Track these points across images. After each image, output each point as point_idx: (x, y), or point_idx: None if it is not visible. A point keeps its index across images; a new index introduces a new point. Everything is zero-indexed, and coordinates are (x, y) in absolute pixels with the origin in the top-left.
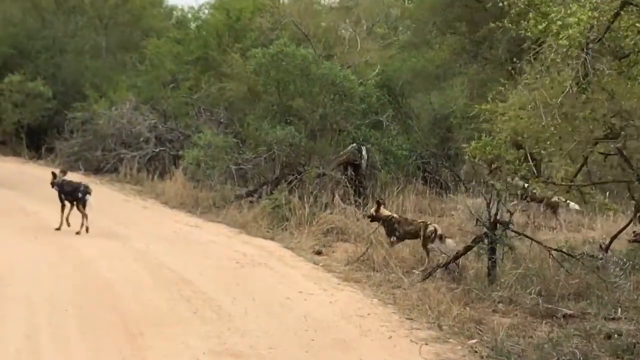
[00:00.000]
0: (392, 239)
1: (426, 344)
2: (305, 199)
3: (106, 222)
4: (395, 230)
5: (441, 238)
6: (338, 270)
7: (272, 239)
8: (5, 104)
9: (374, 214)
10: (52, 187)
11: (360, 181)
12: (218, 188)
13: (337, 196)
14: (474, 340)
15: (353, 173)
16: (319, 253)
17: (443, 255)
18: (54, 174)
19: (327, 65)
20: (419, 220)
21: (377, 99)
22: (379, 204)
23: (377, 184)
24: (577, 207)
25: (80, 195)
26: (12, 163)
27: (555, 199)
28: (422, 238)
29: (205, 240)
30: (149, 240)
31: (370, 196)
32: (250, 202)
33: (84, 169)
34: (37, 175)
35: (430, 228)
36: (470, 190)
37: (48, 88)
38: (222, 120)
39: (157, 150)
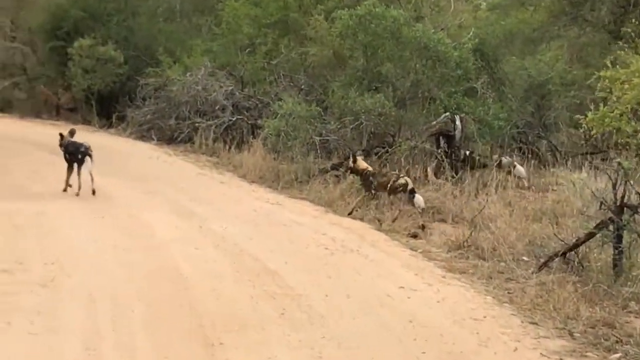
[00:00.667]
0: (371, 192)
1: None
2: None
3: (181, 198)
4: (371, 183)
5: (412, 192)
6: (439, 258)
7: (361, 219)
8: (75, 70)
9: (352, 165)
10: (60, 148)
11: (454, 154)
12: (300, 160)
13: (430, 171)
14: (617, 355)
15: (446, 145)
16: (414, 236)
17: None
18: (61, 135)
19: (419, 27)
20: (392, 172)
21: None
22: (354, 157)
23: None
24: None
25: (80, 156)
26: (81, 132)
27: None
28: (389, 188)
29: (289, 220)
30: (227, 220)
31: (467, 171)
32: (336, 176)
33: (157, 139)
34: (108, 145)
35: (401, 181)
36: (570, 164)
37: (119, 53)
38: (302, 87)
39: (234, 119)
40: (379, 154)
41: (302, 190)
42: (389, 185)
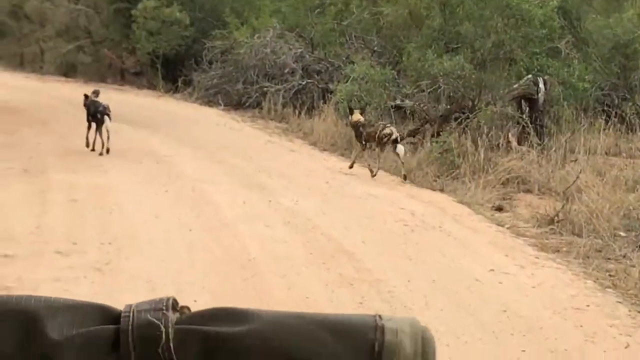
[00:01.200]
0: (362, 142)
1: None
2: (478, 142)
3: (248, 168)
4: (361, 133)
5: (396, 141)
6: (529, 234)
7: (441, 190)
8: (139, 32)
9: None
10: (84, 107)
11: (538, 119)
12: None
13: (512, 137)
14: None
15: (528, 109)
16: (499, 209)
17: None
18: (85, 96)
19: None
20: (379, 123)
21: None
22: (351, 110)
23: (557, 121)
24: None
25: (98, 115)
26: (145, 97)
27: None
28: (377, 138)
29: (364, 193)
30: (298, 193)
31: (553, 137)
32: (412, 144)
33: (224, 104)
34: (172, 111)
35: (386, 130)
36: None
37: (185, 14)
38: (375, 49)
39: (304, 83)
40: (459, 119)
41: (376, 158)
42: (376, 135)
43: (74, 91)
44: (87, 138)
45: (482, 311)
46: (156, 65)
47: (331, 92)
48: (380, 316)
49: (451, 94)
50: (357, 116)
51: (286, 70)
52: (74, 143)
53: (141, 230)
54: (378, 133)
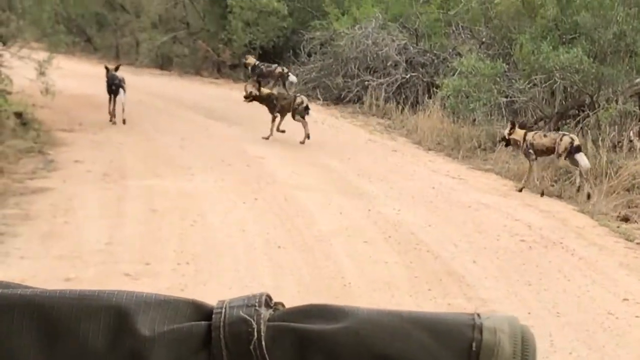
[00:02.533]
0: (275, 115)
1: None
2: (599, 143)
3: (347, 172)
4: (275, 105)
5: (307, 108)
6: None
7: (559, 196)
8: (235, 23)
9: (257, 93)
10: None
11: None
12: (483, 124)
13: (634, 136)
14: None
15: None
16: (626, 219)
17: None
18: (107, 68)
19: None
20: (292, 94)
21: None
22: (259, 83)
23: None
24: None
25: (113, 87)
26: (241, 91)
27: None
28: (292, 109)
29: (474, 201)
30: (400, 201)
31: None
32: None
33: (323, 99)
34: None
35: (298, 100)
36: None
37: (283, 4)
38: (484, 40)
39: (408, 76)
40: (577, 117)
41: (486, 159)
42: (291, 106)
43: (167, 85)
44: (108, 109)
45: (619, 355)
46: None
47: (437, 87)
48: (478, 314)
49: (567, 89)
50: (266, 90)
51: (389, 63)
52: (160, 143)
53: (224, 248)
54: (293, 104)
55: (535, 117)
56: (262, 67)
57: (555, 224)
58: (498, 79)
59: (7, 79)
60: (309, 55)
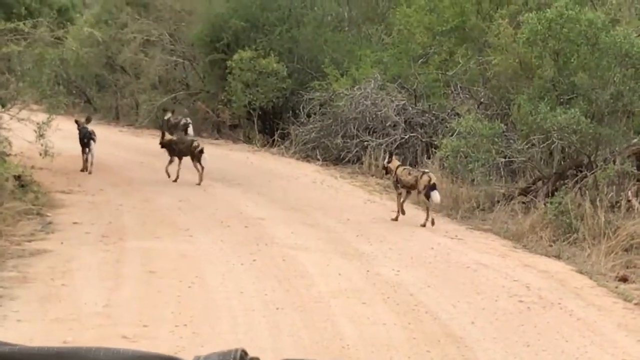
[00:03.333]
0: (172, 159)
1: None
2: (597, 203)
3: (345, 232)
4: (174, 149)
5: (201, 151)
6: None
7: (557, 257)
8: (235, 84)
9: (163, 141)
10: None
11: None
12: (482, 185)
13: (631, 196)
14: None
15: None
16: (624, 279)
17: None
18: (77, 122)
19: (620, 31)
20: (190, 139)
21: None
22: (162, 132)
23: None
24: None
25: (85, 140)
26: (240, 152)
27: None
28: (191, 152)
29: (472, 261)
30: (399, 262)
31: None
32: (524, 203)
33: (322, 159)
34: (267, 167)
35: (195, 144)
36: None
37: (283, 65)
38: (482, 100)
39: (407, 136)
40: (575, 177)
41: (484, 219)
42: (190, 150)
43: None
44: (83, 160)
45: None
46: (252, 119)
47: (435, 147)
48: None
49: (565, 150)
50: (168, 137)
51: (388, 124)
52: (159, 205)
53: (222, 310)
54: (192, 148)
55: (533, 177)
56: (171, 119)
57: (553, 285)
58: (496, 139)
59: (6, 141)
60: (309, 115)
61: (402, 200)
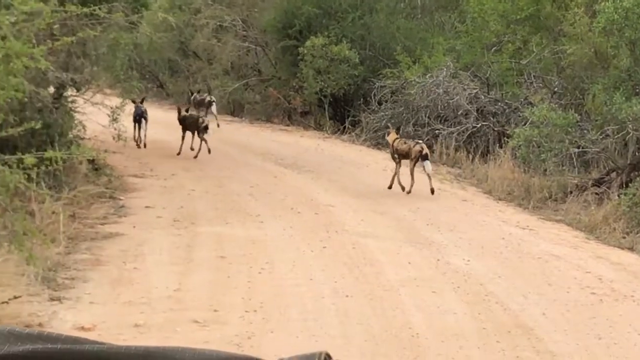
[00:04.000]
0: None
1: None
2: None
3: (416, 221)
4: (185, 125)
5: (206, 128)
6: None
7: (631, 249)
8: (307, 71)
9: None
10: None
11: None
12: (554, 175)
13: None
14: None
15: None
16: None
17: None
18: (133, 101)
19: None
20: (196, 116)
21: None
22: (178, 108)
23: None
24: None
25: (137, 117)
26: (311, 139)
27: None
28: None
29: (544, 252)
30: (470, 251)
31: None
32: (597, 194)
33: None
34: (338, 154)
35: (200, 120)
36: None
37: (355, 52)
38: (555, 89)
39: (479, 125)
40: None
41: (557, 210)
42: (196, 125)
43: (237, 132)
44: (133, 137)
45: None
46: (323, 105)
47: (508, 136)
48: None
49: None
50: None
51: (460, 112)
52: (230, 190)
53: (292, 296)
54: (196, 123)
55: (607, 168)
56: (197, 96)
57: (626, 277)
58: (570, 129)
59: (80, 125)
60: (380, 103)
61: (397, 171)
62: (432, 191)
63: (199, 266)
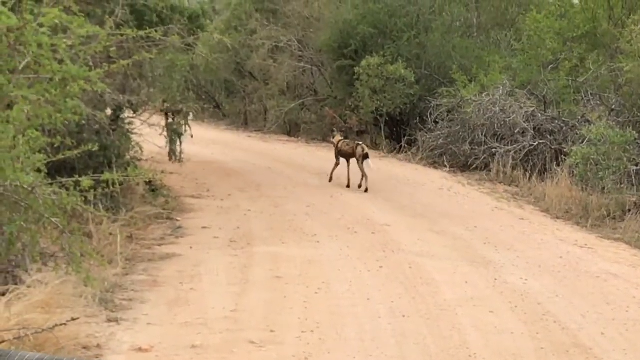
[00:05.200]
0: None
1: None
2: None
3: (472, 240)
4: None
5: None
6: None
7: None
8: (362, 90)
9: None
10: None
11: None
12: (613, 193)
13: None
14: None
15: None
16: None
17: None
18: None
19: None
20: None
21: None
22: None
23: None
24: None
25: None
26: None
27: None
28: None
29: (602, 271)
30: (527, 270)
31: None
32: None
33: (449, 166)
34: (394, 173)
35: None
36: None
37: (411, 71)
38: (613, 107)
39: (536, 143)
40: None
41: (615, 228)
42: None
43: (294, 152)
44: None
45: None
46: (379, 125)
47: (565, 154)
48: None
49: None
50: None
51: (516, 130)
52: (286, 210)
53: (349, 316)
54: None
55: None
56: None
57: None
58: (628, 147)
59: (137, 146)
60: (436, 122)
61: (335, 168)
62: (366, 190)
63: (255, 286)
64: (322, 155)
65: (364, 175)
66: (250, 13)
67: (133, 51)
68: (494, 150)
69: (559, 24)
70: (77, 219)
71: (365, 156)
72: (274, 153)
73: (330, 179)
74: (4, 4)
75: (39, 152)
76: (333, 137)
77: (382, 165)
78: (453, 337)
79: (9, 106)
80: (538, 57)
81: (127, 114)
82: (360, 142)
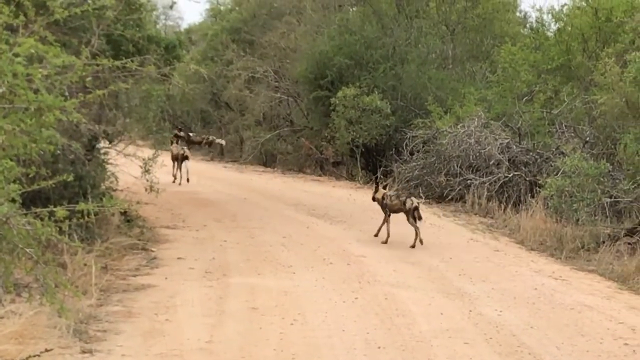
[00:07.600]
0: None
1: None
2: None
3: (448, 271)
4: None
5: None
6: None
7: None
8: (338, 121)
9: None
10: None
11: None
12: (586, 225)
13: None
14: None
15: None
16: None
17: None
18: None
19: None
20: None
21: None
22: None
23: None
24: None
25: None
26: (343, 189)
27: None
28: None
29: (576, 302)
30: (502, 302)
31: None
32: (629, 244)
33: (425, 197)
34: (370, 205)
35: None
36: None
37: (387, 102)
38: (587, 139)
39: (511, 175)
40: None
41: (589, 260)
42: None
43: (270, 182)
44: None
45: None
46: (355, 156)
47: (540, 186)
48: None
49: None
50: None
51: (491, 162)
52: (262, 241)
53: (324, 347)
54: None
55: (638, 218)
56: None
57: None
58: (602, 179)
59: (112, 177)
60: (412, 153)
61: (383, 225)
62: (421, 241)
63: (231, 318)
64: (297, 186)
65: (416, 231)
66: (227, 44)
67: (109, 81)
68: (469, 181)
69: (533, 56)
70: (52, 249)
71: (415, 209)
72: (250, 183)
73: (377, 234)
74: None
75: (14, 182)
76: (376, 192)
77: (357, 196)
78: None
79: None
80: (513, 89)
81: (102, 144)
82: (410, 196)
